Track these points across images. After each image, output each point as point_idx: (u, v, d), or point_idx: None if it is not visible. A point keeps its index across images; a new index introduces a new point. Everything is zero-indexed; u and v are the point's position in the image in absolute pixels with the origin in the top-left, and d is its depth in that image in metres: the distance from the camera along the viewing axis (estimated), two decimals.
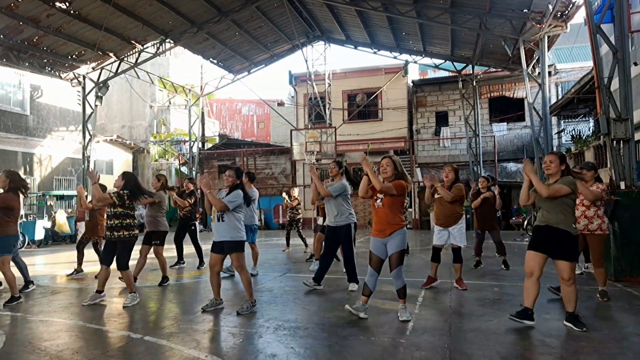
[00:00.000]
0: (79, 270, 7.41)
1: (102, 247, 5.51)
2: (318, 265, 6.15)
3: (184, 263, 8.21)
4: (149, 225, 6.67)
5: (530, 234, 4.28)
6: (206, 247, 8.56)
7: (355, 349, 3.61)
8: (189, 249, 8.24)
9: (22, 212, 6.59)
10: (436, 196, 5.84)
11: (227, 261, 5.19)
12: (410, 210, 17.94)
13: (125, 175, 5.44)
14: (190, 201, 7.96)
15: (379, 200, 4.36)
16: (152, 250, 6.63)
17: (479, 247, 7.63)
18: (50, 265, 9.19)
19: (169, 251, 8.53)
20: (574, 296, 3.97)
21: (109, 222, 5.26)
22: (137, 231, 5.44)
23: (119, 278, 6.39)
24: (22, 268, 6.21)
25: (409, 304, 4.87)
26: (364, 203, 17.28)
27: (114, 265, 5.31)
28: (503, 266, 7.27)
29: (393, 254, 4.31)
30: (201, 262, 8.03)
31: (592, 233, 5.00)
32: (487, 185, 7.66)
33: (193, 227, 8.20)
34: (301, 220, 10.55)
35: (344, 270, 6.84)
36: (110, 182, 8.18)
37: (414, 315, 4.52)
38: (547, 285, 5.26)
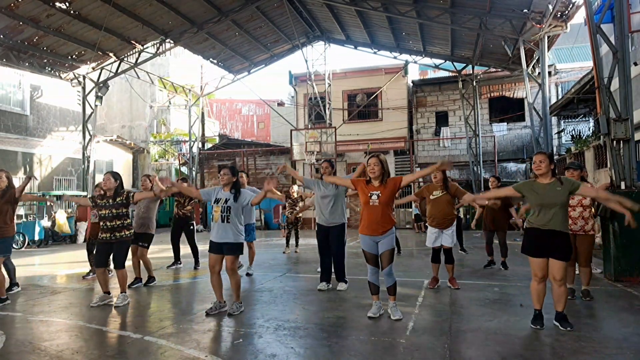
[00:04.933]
0: (93, 270, 7.25)
1: (95, 250, 5.47)
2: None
3: (180, 264, 8.11)
4: (140, 227, 6.50)
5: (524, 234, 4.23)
6: (202, 247, 8.57)
7: (355, 349, 3.61)
8: (184, 249, 8.20)
9: (22, 212, 6.64)
10: (432, 197, 5.83)
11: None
12: (410, 210, 17.96)
13: (117, 175, 5.39)
14: (192, 201, 7.94)
15: (374, 197, 4.33)
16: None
17: (490, 246, 7.57)
18: (50, 265, 9.19)
19: (166, 251, 8.53)
20: (565, 296, 4.02)
21: (109, 224, 5.22)
22: (133, 230, 5.50)
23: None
24: (10, 270, 6.15)
25: (409, 304, 4.88)
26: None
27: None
28: (501, 267, 7.30)
29: (384, 252, 4.36)
30: (197, 263, 7.99)
31: (587, 234, 5.02)
32: (497, 185, 7.63)
33: (191, 227, 8.16)
34: (301, 219, 10.51)
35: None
36: None
37: (413, 315, 4.52)
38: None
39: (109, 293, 5.35)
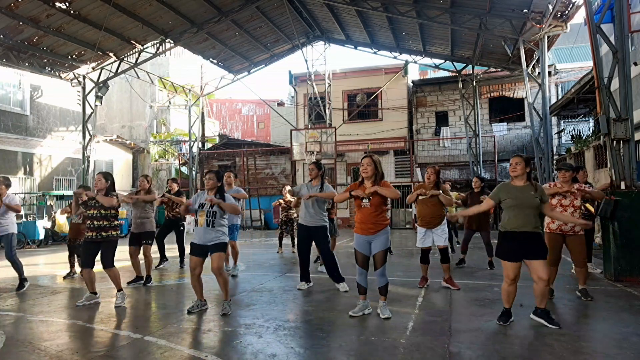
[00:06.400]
0: (73, 272, 7.37)
1: (81, 250, 5.49)
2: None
3: (167, 260, 8.22)
4: (138, 227, 6.62)
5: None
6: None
7: (355, 349, 3.61)
8: (172, 249, 8.25)
9: (22, 212, 6.69)
10: (421, 197, 5.84)
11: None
12: (410, 210, 17.97)
13: (108, 175, 5.38)
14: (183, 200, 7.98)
15: (365, 200, 4.39)
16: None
17: (466, 245, 7.66)
18: (50, 265, 9.19)
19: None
20: (547, 294, 4.12)
21: (96, 223, 5.21)
22: (119, 232, 5.47)
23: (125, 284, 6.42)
24: (19, 267, 6.19)
25: (409, 304, 4.87)
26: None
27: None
28: (488, 266, 7.37)
29: (378, 252, 4.40)
30: (182, 262, 8.11)
31: (576, 234, 5.02)
32: (480, 185, 7.67)
33: (182, 228, 8.26)
34: (297, 220, 10.51)
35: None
36: None
37: (413, 315, 4.52)
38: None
39: (95, 293, 5.36)
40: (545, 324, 4.00)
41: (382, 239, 4.41)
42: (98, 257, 5.31)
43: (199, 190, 18.34)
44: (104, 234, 5.21)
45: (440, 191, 5.73)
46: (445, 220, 5.89)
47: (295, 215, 10.28)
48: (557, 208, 5.01)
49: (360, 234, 4.47)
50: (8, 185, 6.17)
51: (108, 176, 5.37)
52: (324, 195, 5.66)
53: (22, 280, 6.20)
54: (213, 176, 4.83)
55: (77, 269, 7.46)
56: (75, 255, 7.34)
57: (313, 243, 5.93)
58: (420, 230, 5.94)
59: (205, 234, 4.71)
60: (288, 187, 10.36)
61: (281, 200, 10.10)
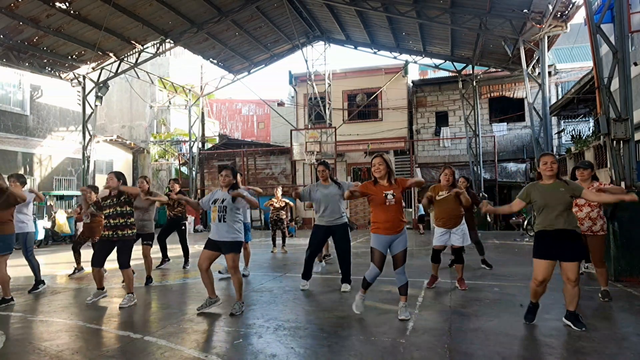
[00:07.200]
0: (79, 268, 7.44)
1: (94, 249, 5.50)
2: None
3: (169, 260, 8.24)
4: (141, 228, 6.57)
5: (532, 236, 4.18)
6: (200, 248, 8.59)
7: (355, 349, 3.61)
8: (174, 249, 8.23)
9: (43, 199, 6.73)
10: (438, 198, 5.77)
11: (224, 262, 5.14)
12: (409, 210, 17.98)
13: (119, 174, 5.41)
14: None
15: (389, 196, 4.30)
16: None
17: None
18: (50, 265, 9.19)
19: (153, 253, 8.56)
20: (577, 296, 3.98)
21: (112, 222, 5.24)
22: (135, 229, 5.48)
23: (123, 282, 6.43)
24: (35, 267, 6.17)
25: (409, 304, 4.87)
26: (364, 203, 17.29)
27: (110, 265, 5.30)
28: (484, 265, 7.31)
29: (400, 252, 4.35)
30: (186, 262, 8.09)
31: (595, 234, 4.97)
32: (467, 185, 7.65)
33: (183, 227, 8.25)
34: (286, 219, 10.60)
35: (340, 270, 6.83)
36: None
37: (414, 315, 4.52)
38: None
39: (103, 288, 5.41)
40: (572, 326, 3.92)
41: (404, 237, 4.38)
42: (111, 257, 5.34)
43: (199, 191, 18.25)
44: (120, 232, 5.23)
45: (463, 190, 5.69)
46: (464, 221, 5.82)
47: (284, 215, 10.32)
48: (573, 208, 4.97)
49: (383, 234, 4.34)
50: (23, 183, 6.19)
51: (120, 175, 5.41)
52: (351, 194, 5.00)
53: (37, 282, 6.15)
54: (229, 173, 4.82)
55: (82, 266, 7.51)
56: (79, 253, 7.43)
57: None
58: (438, 230, 5.85)
59: (218, 229, 4.73)
60: (280, 189, 10.40)
61: (273, 200, 10.13)
